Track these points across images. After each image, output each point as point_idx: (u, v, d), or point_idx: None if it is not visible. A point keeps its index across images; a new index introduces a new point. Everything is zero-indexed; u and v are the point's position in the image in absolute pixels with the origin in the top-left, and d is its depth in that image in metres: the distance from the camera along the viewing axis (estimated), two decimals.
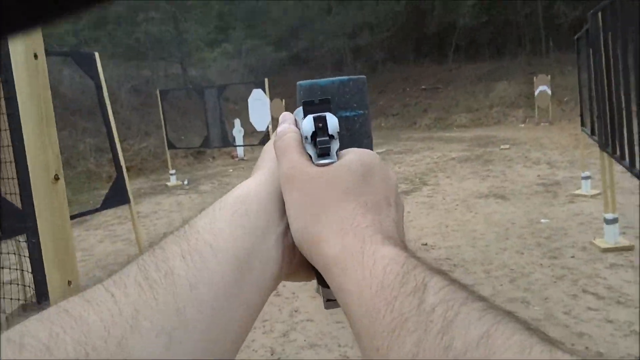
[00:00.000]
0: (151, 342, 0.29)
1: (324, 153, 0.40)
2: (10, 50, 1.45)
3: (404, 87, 18.98)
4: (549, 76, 13.89)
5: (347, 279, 0.33)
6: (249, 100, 9.57)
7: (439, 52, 21.51)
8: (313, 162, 0.39)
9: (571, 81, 13.23)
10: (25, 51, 1.47)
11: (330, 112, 0.43)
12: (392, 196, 0.41)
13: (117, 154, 4.01)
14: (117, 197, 4.12)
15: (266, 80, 9.07)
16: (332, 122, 0.41)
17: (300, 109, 0.44)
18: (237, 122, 11.95)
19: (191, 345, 0.31)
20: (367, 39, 22.83)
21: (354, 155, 0.41)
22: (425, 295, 0.29)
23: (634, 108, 3.36)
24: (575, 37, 5.55)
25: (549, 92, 13.62)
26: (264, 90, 9.07)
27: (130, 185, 4.02)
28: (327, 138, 0.40)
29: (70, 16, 0.15)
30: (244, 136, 11.92)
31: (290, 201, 0.38)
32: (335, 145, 0.41)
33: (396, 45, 22.51)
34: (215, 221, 0.37)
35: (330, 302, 0.41)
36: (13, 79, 1.49)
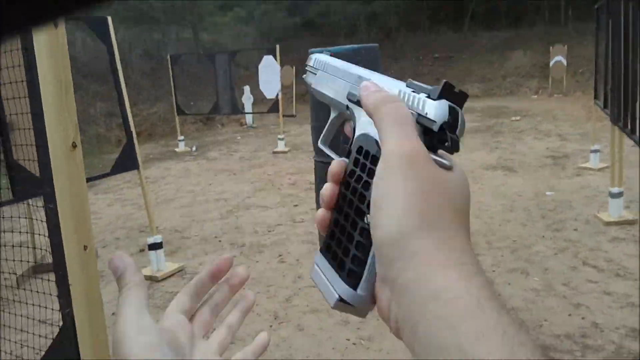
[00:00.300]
0: None
1: (454, 148, 0.34)
2: None
3: (417, 55, 18.64)
4: (566, 46, 13.53)
5: (450, 315, 0.28)
6: (259, 66, 9.48)
7: (454, 19, 20.99)
8: (433, 154, 0.34)
9: (588, 52, 12.88)
10: None
11: (462, 109, 0.35)
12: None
13: (127, 119, 4.05)
14: (126, 162, 4.19)
15: (277, 46, 8.97)
16: (463, 122, 0.35)
17: (407, 84, 0.38)
18: (246, 89, 11.86)
19: None
20: (382, 5, 22.31)
21: (461, 170, 0.36)
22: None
23: None
24: (596, 6, 5.39)
25: (565, 63, 13.30)
26: (275, 56, 8.97)
27: (140, 150, 4.08)
28: (457, 137, 0.34)
29: (70, 14, 0.15)
30: (253, 103, 11.88)
31: (400, 187, 0.32)
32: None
33: (411, 12, 21.99)
34: None
35: (343, 304, 0.36)
36: (33, 47, 1.52)
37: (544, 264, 3.73)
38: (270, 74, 9.15)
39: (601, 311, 3.03)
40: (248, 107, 11.73)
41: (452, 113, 0.35)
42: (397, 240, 0.31)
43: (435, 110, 0.34)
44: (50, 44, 1.54)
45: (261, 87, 9.52)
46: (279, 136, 9.14)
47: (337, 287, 0.36)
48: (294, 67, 12.32)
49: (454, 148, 0.34)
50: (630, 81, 3.44)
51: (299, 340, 2.99)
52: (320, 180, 4.05)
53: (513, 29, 18.66)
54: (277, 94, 9.14)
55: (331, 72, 0.43)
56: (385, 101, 0.36)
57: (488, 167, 6.71)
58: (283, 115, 9.29)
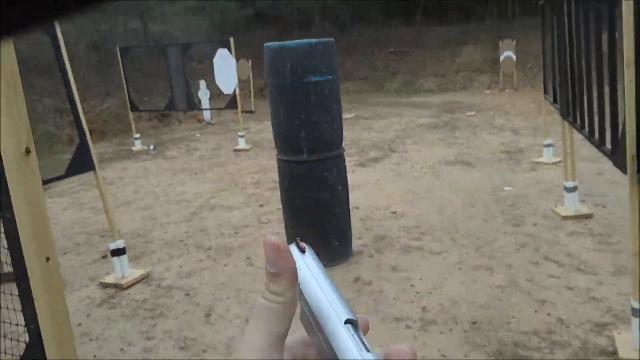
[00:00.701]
0: None
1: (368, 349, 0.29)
2: None
3: (372, 49, 18.78)
4: (514, 41, 14.02)
5: None
6: (214, 60, 9.25)
7: (407, 13, 21.30)
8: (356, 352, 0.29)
9: (536, 47, 13.37)
10: None
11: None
12: None
13: (79, 116, 3.83)
14: (81, 163, 3.98)
15: (231, 39, 8.79)
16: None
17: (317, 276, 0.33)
18: (202, 83, 11.58)
19: None
20: None
21: None
22: None
23: (594, 77, 3.41)
24: (540, 2, 5.57)
25: (514, 57, 13.79)
26: (229, 50, 8.79)
27: (94, 150, 3.90)
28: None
29: (70, 15, 0.15)
30: (210, 99, 11.62)
31: None
32: None
33: (365, 6, 22.12)
34: None
35: None
36: None
37: (507, 260, 3.85)
38: (225, 68, 8.96)
39: (565, 306, 3.15)
40: (205, 103, 11.46)
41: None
42: None
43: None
44: None
45: (217, 81, 9.31)
46: (239, 133, 8.99)
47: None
48: (249, 61, 12.13)
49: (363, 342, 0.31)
50: (577, 77, 3.55)
51: None
52: (284, 178, 4.00)
53: (463, 23, 19.14)
54: (235, 89, 8.98)
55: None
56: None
57: (447, 163, 6.87)
58: (242, 112, 9.13)
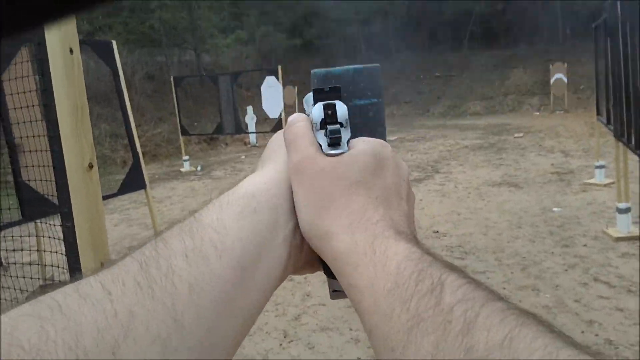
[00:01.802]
0: (145, 349, 0.27)
1: (334, 142, 0.38)
2: (47, 45, 1.53)
3: (417, 74, 18.81)
4: (566, 64, 13.68)
5: (359, 276, 0.32)
6: (261, 87, 9.58)
7: (453, 39, 21.26)
8: (323, 152, 0.38)
9: (588, 69, 13.00)
10: (62, 46, 1.55)
11: (340, 100, 0.41)
12: (404, 188, 0.39)
13: (133, 140, 4.08)
14: (133, 182, 4.20)
15: (279, 67, 9.08)
16: (342, 110, 0.40)
17: (310, 95, 0.43)
18: (249, 109, 11.96)
19: (186, 351, 0.29)
20: (381, 26, 22.62)
21: (365, 145, 0.39)
22: (443, 295, 0.28)
23: None
24: (594, 25, 5.47)
25: (565, 80, 13.43)
26: (277, 77, 9.08)
27: (145, 171, 4.09)
28: (338, 126, 0.39)
29: (72, 15, 0.15)
30: (256, 123, 11.95)
31: (299, 193, 0.37)
32: (346, 134, 0.39)
33: (411, 33, 22.28)
34: (223, 218, 0.34)
35: (337, 292, 0.40)
36: (49, 72, 1.56)
37: (555, 281, 3.69)
38: (272, 94, 9.26)
39: (614, 328, 2.99)
40: (251, 127, 11.80)
41: (330, 107, 0.40)
42: (307, 234, 0.37)
43: (313, 114, 0.40)
44: (66, 69, 1.58)
45: (264, 106, 9.61)
46: None
47: (330, 283, 0.41)
48: (295, 87, 12.45)
49: (331, 135, 0.38)
50: (632, 97, 3.47)
51: (309, 359, 2.95)
52: None
53: (512, 47, 18.88)
54: (280, 114, 9.21)
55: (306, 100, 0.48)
56: (287, 127, 0.41)
57: (493, 184, 6.71)
58: None
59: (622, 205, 4.36)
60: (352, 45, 23.63)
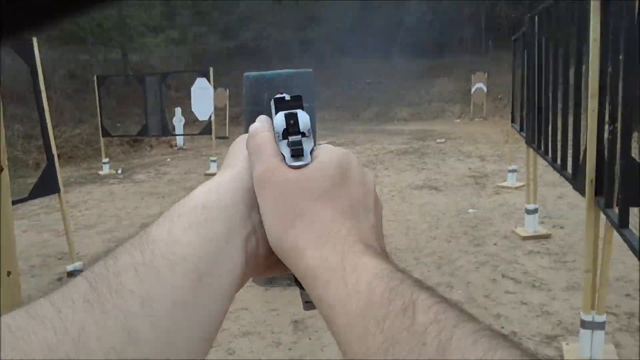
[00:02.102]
0: None
1: (297, 154, 0.37)
2: None
3: (349, 80, 19.19)
4: (486, 74, 14.51)
5: (330, 294, 0.32)
6: (192, 89, 9.37)
7: (384, 47, 21.89)
8: (287, 163, 0.37)
9: (506, 79, 13.86)
10: None
11: (302, 109, 0.40)
12: (370, 199, 0.39)
13: (48, 140, 3.86)
14: (46, 185, 3.96)
15: (211, 69, 8.92)
16: (304, 119, 0.39)
17: (272, 102, 0.42)
18: (177, 110, 11.65)
19: None
20: (316, 32, 22.86)
21: (328, 155, 0.38)
22: (416, 314, 0.28)
23: (559, 107, 3.62)
24: (513, 38, 5.82)
25: (485, 89, 14.24)
26: (208, 79, 8.91)
27: (60, 174, 3.86)
28: (299, 137, 0.38)
29: (70, 18, 0.15)
30: (184, 125, 11.67)
31: (264, 206, 0.36)
32: (308, 144, 0.38)
33: (344, 40, 22.69)
34: (173, 230, 0.34)
35: (310, 304, 0.39)
36: None
37: (467, 278, 3.89)
38: (203, 96, 9.07)
39: (518, 320, 3.19)
40: (179, 129, 11.49)
41: (292, 117, 0.39)
42: (276, 248, 0.36)
43: (276, 124, 0.39)
44: None
45: (193, 109, 9.39)
46: (212, 158, 9.00)
47: (302, 294, 0.40)
48: (227, 90, 12.26)
49: (293, 147, 0.38)
50: (543, 106, 3.74)
51: None
52: None
53: (438, 57, 19.73)
54: (210, 116, 9.04)
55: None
56: (250, 137, 0.41)
57: (415, 187, 6.97)
58: (216, 137, 9.18)
59: (531, 206, 4.66)
60: (287, 49, 23.68)
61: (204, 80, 9.07)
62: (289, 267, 0.36)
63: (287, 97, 0.40)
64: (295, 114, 0.39)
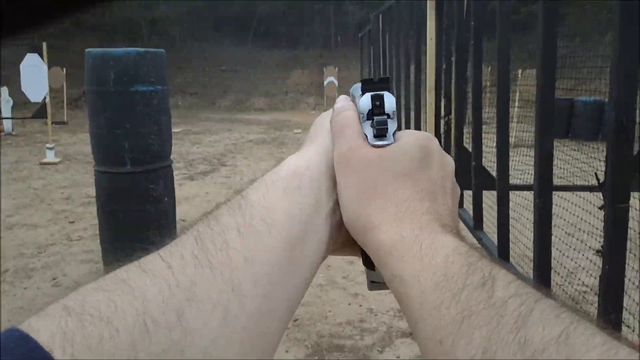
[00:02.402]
0: (208, 315, 0.28)
1: (381, 134, 0.38)
2: None
3: (203, 66, 18.61)
4: (337, 68, 15.28)
5: (404, 268, 0.32)
6: (21, 65, 8.21)
7: (239, 34, 21.66)
8: (369, 143, 0.38)
9: (355, 74, 14.77)
10: None
11: (389, 91, 0.40)
12: (449, 183, 0.39)
13: None
14: None
15: (44, 44, 7.90)
16: (390, 101, 0.40)
17: (358, 86, 0.42)
18: (4, 90, 10.17)
19: (245, 319, 0.30)
20: (165, 12, 21.64)
21: (412, 137, 0.39)
22: (495, 288, 0.27)
23: (402, 100, 3.95)
24: (360, 34, 6.20)
25: (336, 83, 15.00)
26: (41, 55, 7.89)
27: None
28: (385, 117, 0.39)
29: (69, 17, 0.14)
30: (13, 107, 10.23)
31: (343, 183, 0.37)
32: (392, 126, 0.39)
33: (195, 23, 21.88)
34: (269, 196, 0.35)
35: (375, 284, 0.40)
36: None
37: (327, 262, 4.06)
38: (35, 75, 8.02)
39: (374, 298, 3.46)
40: (6, 112, 10.03)
41: (378, 98, 0.40)
42: (351, 224, 0.37)
43: (362, 104, 0.40)
44: None
45: (23, 89, 8.25)
46: (48, 145, 8.04)
47: (368, 274, 0.41)
48: (64, 69, 11.00)
49: (378, 126, 0.38)
50: None
51: None
52: (102, 191, 3.69)
53: (292, 49, 20.19)
54: (45, 97, 8.04)
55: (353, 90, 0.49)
56: (334, 116, 0.41)
57: None
58: (52, 122, 8.20)
59: None
60: (133, 28, 22.02)
61: (35, 56, 8.03)
62: (362, 244, 0.36)
63: (375, 79, 0.41)
64: (382, 96, 0.40)
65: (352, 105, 0.42)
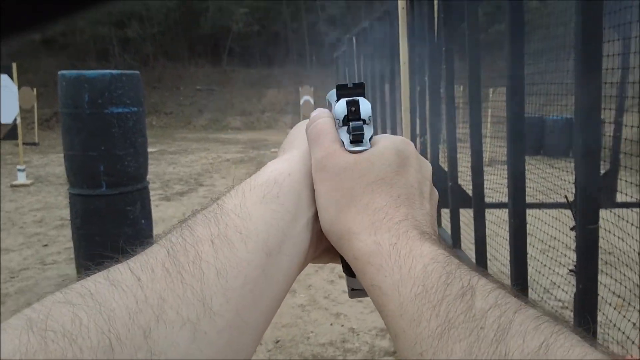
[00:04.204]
0: (176, 333, 0.28)
1: (357, 139, 0.38)
2: None
3: (177, 85, 18.51)
4: (312, 88, 15.40)
5: (383, 278, 0.31)
6: None
7: (213, 54, 21.65)
8: (346, 149, 0.38)
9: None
10: None
11: (364, 96, 0.40)
12: (427, 187, 0.39)
13: None
14: None
15: (14, 64, 7.77)
16: (365, 106, 0.39)
17: (334, 92, 0.42)
18: None
19: (215, 335, 0.29)
20: (137, 31, 21.51)
21: (388, 142, 0.38)
22: (474, 299, 0.27)
23: (378, 120, 4.03)
24: (335, 55, 6.30)
25: (312, 101, 15.10)
26: (10, 76, 7.75)
27: None
28: (361, 123, 0.38)
29: (70, 16, 0.14)
30: None
31: (320, 190, 0.37)
32: (368, 131, 0.38)
33: (169, 42, 21.79)
34: (246, 204, 0.34)
35: (356, 291, 0.39)
36: None
37: (308, 282, 4.09)
38: (6, 96, 7.85)
39: (356, 317, 3.46)
40: None
41: (353, 103, 0.39)
42: (328, 232, 0.36)
43: (337, 110, 0.40)
44: None
45: None
46: (19, 167, 7.85)
47: (348, 281, 0.40)
48: (34, 89, 10.80)
49: (354, 132, 0.38)
50: None
51: None
52: (77, 214, 3.64)
53: (267, 68, 20.28)
54: (15, 119, 7.88)
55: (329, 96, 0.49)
56: (310, 123, 0.41)
57: None
58: (23, 143, 8.03)
59: None
60: (104, 47, 21.79)
61: (6, 77, 7.87)
62: (340, 252, 0.36)
63: (350, 84, 0.41)
64: (357, 101, 0.39)
65: (328, 112, 0.42)
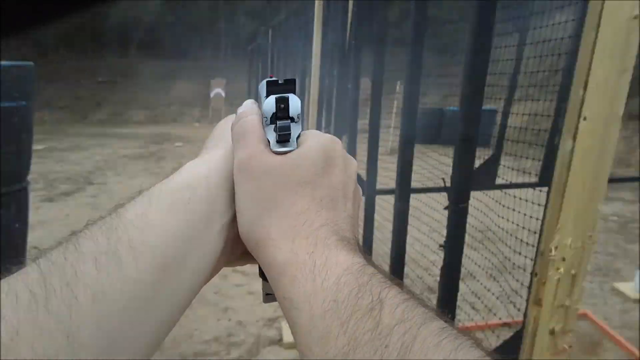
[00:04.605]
0: None
1: (284, 139, 0.37)
2: None
3: (77, 77, 17.27)
4: (225, 80, 15.05)
5: (296, 291, 0.30)
6: None
7: (121, 45, 20.56)
8: (271, 149, 0.36)
9: (243, 86, 14.67)
10: None
11: (294, 93, 0.39)
12: (350, 188, 0.38)
13: None
14: None
15: None
16: (295, 104, 0.38)
17: (264, 84, 0.39)
18: None
19: None
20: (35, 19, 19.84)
21: (314, 141, 0.37)
22: (382, 315, 0.27)
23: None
24: (249, 47, 6.13)
25: (223, 94, 14.75)
26: None
27: None
28: (288, 122, 0.37)
29: (70, 17, 0.13)
30: None
31: (241, 192, 0.35)
32: (296, 130, 0.37)
33: (71, 31, 20.33)
34: (149, 212, 0.32)
35: (271, 296, 0.39)
36: None
37: (213, 280, 3.89)
38: None
39: (245, 310, 3.36)
40: None
41: (282, 100, 0.37)
42: (245, 237, 0.35)
43: (265, 107, 0.38)
44: None
45: None
46: None
47: (264, 286, 0.40)
48: None
49: (280, 132, 0.36)
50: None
51: None
52: None
53: (178, 60, 19.55)
54: None
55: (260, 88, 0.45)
56: (237, 120, 0.39)
57: None
58: None
59: None
60: None
61: None
62: (257, 258, 0.35)
63: (280, 81, 0.39)
64: (287, 98, 0.38)
65: (255, 109, 0.40)
